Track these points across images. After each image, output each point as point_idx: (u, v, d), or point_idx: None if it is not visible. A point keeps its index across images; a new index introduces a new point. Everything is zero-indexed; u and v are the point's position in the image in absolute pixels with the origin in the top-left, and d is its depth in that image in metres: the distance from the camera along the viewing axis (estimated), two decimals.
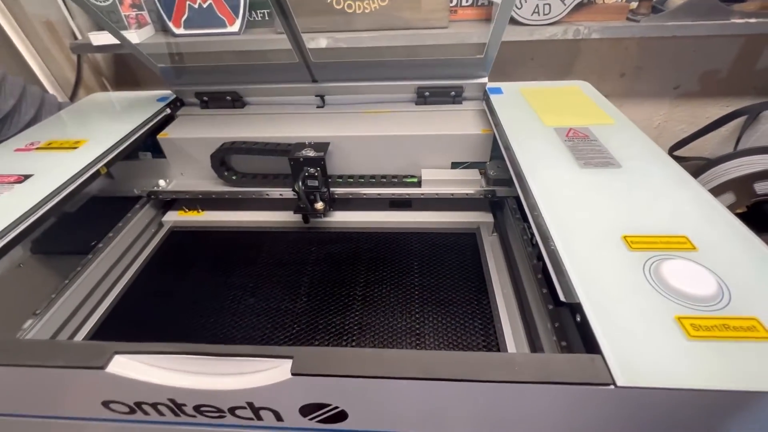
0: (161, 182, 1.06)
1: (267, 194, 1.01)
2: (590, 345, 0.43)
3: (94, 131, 0.94)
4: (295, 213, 0.96)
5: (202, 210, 1.09)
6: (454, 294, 0.83)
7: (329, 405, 0.45)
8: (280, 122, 1.04)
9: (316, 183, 0.90)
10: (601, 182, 0.66)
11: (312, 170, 0.89)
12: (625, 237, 0.54)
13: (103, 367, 0.44)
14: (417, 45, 1.14)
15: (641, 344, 0.42)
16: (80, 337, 0.80)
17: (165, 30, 1.25)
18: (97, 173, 0.84)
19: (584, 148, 0.75)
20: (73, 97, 1.42)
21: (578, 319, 0.48)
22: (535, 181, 0.67)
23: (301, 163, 0.90)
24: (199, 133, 1.01)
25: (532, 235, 0.88)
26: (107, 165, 0.86)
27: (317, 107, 1.10)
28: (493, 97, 0.98)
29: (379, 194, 0.99)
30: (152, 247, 1.01)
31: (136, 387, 0.45)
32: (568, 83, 1.03)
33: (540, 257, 0.80)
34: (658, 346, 0.41)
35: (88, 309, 0.85)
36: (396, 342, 0.74)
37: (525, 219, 0.90)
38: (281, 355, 0.43)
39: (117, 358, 0.45)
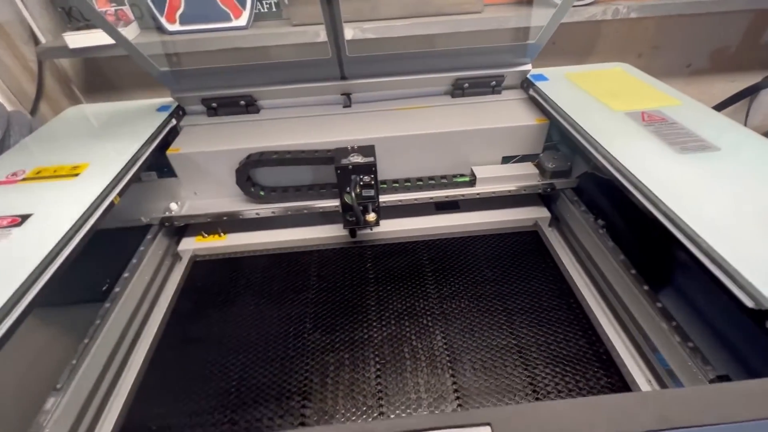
0: (173, 206, 0.90)
1: (305, 210, 0.89)
2: None
3: (93, 152, 0.77)
4: (345, 227, 0.85)
5: (224, 233, 0.95)
6: (538, 300, 0.77)
7: None
8: (307, 126, 0.91)
9: (371, 192, 0.80)
10: (711, 167, 0.61)
11: (367, 178, 0.79)
12: None
13: None
14: (452, 32, 1.05)
15: None
16: (115, 411, 0.65)
17: (156, 27, 1.06)
18: (111, 205, 0.68)
19: (669, 132, 0.71)
20: (33, 112, 1.19)
21: None
22: (641, 172, 0.61)
23: (349, 171, 0.80)
24: (218, 146, 0.86)
25: (602, 226, 0.84)
26: (120, 193, 0.71)
27: (344, 107, 0.99)
28: (540, 84, 0.92)
29: (431, 198, 0.90)
30: (175, 282, 0.86)
31: None
32: (609, 65, 1.00)
33: (626, 251, 0.76)
34: None
35: (114, 370, 0.70)
36: (500, 364, 0.66)
37: (592, 210, 0.86)
38: (475, 423, 0.34)
39: None
